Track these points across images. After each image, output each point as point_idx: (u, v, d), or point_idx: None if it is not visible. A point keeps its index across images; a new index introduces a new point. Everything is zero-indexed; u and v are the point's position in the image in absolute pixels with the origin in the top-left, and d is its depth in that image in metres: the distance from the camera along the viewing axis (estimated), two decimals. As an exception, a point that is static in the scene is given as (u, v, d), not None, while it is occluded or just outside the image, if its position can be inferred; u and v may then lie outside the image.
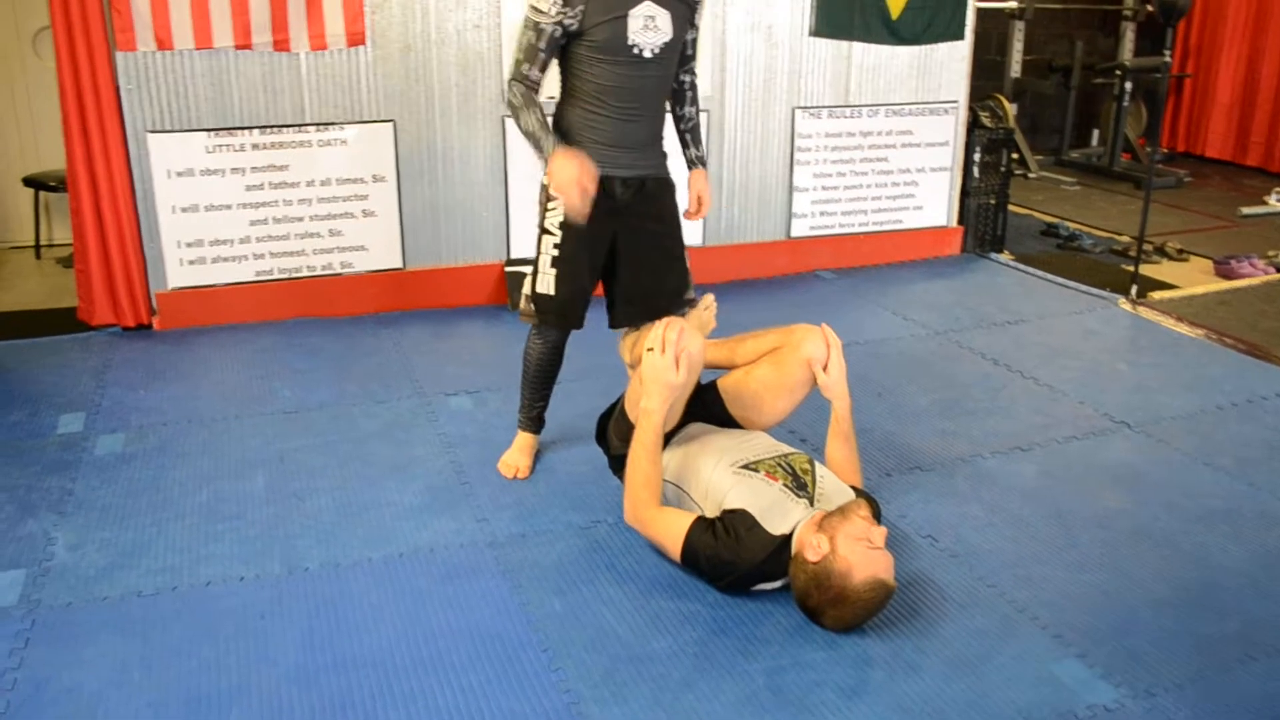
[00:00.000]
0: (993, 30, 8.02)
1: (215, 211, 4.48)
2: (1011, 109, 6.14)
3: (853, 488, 2.83)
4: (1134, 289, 5.11)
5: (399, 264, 4.82)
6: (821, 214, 5.53)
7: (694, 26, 3.08)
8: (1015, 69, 8.09)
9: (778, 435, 3.10)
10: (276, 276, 4.64)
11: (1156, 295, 5.16)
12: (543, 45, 2.88)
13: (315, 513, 3.09)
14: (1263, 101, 8.32)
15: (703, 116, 3.29)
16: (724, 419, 3.00)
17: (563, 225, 3.02)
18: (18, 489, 3.19)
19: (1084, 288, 5.29)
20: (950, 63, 5.57)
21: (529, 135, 2.92)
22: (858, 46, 5.33)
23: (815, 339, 2.89)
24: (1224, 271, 5.59)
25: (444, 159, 4.77)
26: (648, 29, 2.89)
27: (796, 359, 2.88)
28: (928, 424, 3.75)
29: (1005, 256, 5.86)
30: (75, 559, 2.83)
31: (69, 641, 2.49)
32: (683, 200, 3.23)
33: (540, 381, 3.29)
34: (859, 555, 2.45)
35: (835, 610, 2.49)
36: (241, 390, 3.94)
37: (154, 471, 3.32)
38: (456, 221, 4.86)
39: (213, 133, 4.39)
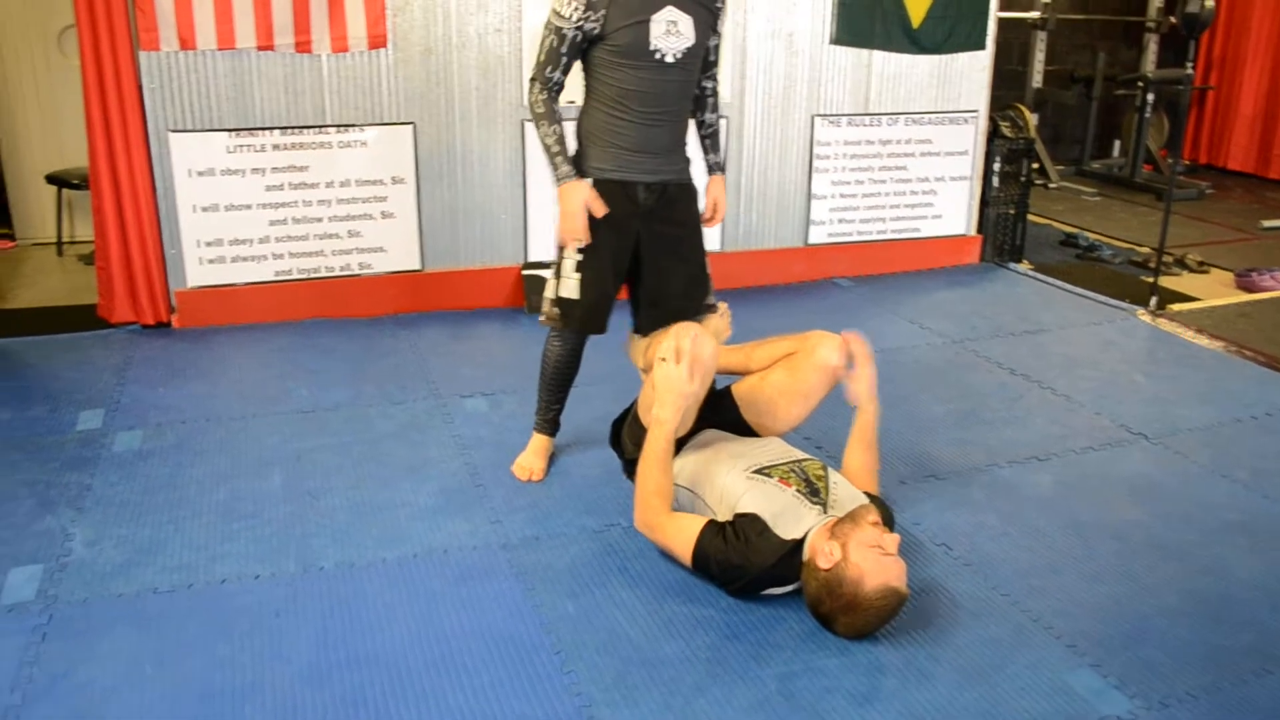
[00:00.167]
0: (1014, 40, 8.00)
1: (235, 211, 4.51)
2: (1033, 119, 6.13)
3: (867, 494, 2.83)
4: (1153, 300, 5.08)
5: (417, 266, 4.84)
6: (840, 221, 5.52)
7: (717, 33, 3.08)
8: (1037, 79, 8.07)
9: (792, 441, 3.10)
10: (295, 277, 4.67)
11: (1176, 307, 5.13)
12: (564, 49, 2.89)
13: (330, 512, 3.10)
14: (1286, 114, 8.29)
15: (722, 123, 3.29)
16: (738, 425, 3.00)
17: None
18: (37, 484, 3.21)
19: (1103, 298, 5.27)
20: (971, 72, 5.55)
21: (545, 149, 2.95)
22: (878, 55, 5.33)
23: (830, 345, 2.88)
24: (1245, 284, 5.56)
25: (463, 162, 4.78)
26: (670, 34, 2.89)
27: (811, 365, 2.87)
28: (944, 432, 3.74)
29: (1024, 266, 5.84)
30: (92, 555, 2.84)
31: (85, 637, 2.50)
32: (700, 205, 3.24)
33: (557, 384, 3.29)
34: (871, 562, 2.44)
35: (847, 617, 2.49)
36: (259, 389, 3.96)
37: (171, 469, 3.34)
38: (475, 224, 4.88)
39: (234, 133, 4.42)
